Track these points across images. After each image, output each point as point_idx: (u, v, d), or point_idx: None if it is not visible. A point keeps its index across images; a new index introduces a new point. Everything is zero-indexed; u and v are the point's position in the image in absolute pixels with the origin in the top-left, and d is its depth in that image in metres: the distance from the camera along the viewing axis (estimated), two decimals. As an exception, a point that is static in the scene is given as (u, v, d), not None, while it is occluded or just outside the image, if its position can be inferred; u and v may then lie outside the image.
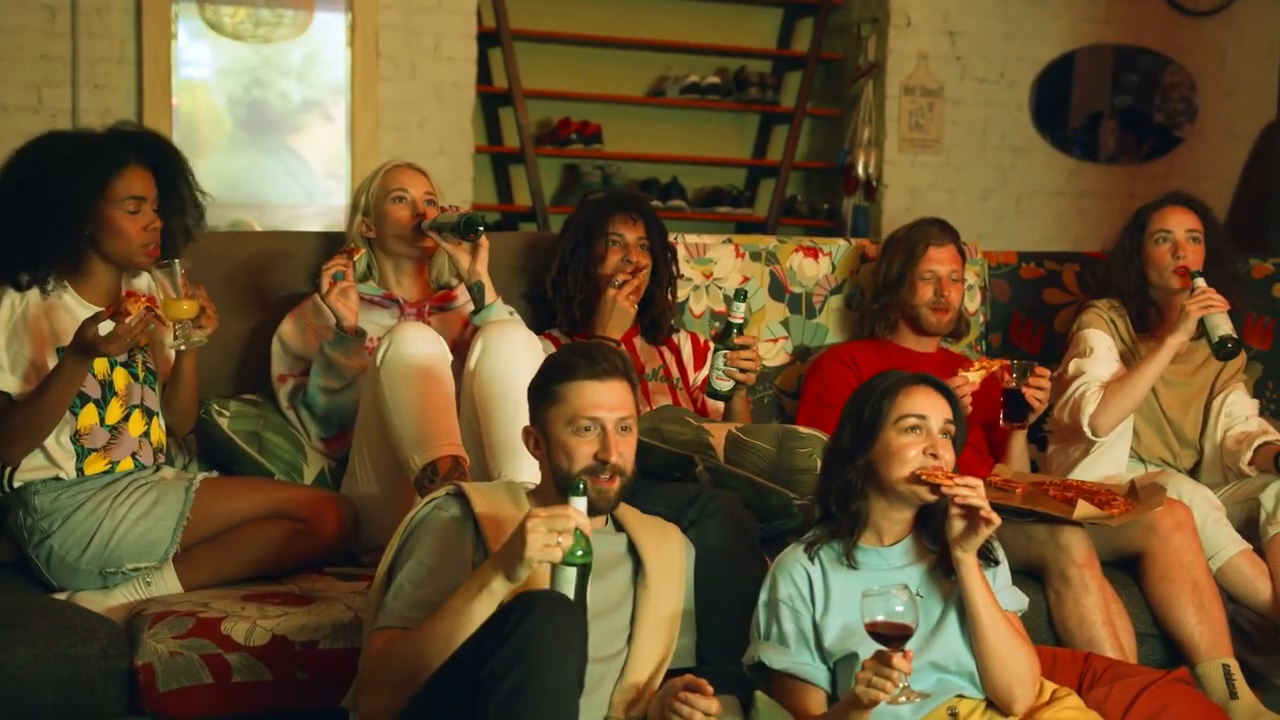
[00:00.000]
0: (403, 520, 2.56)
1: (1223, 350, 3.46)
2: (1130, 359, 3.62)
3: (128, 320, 2.79)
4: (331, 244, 3.56)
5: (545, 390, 2.55)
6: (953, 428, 2.54)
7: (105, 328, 2.81)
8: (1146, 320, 3.66)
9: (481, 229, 3.24)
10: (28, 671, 2.61)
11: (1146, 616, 3.26)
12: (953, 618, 2.52)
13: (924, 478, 2.47)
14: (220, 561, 3.02)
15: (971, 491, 2.43)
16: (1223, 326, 3.44)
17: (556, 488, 2.53)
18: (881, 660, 2.29)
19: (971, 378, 3.24)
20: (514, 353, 3.07)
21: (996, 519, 2.43)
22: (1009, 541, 3.16)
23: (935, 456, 2.49)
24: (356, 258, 3.33)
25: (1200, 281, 3.49)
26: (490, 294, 3.27)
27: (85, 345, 2.82)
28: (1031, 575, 3.18)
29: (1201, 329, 3.46)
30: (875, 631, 2.32)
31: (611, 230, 3.50)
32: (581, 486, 2.31)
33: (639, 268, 3.45)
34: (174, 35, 5.80)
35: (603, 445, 2.49)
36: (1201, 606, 3.21)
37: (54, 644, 2.65)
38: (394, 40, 6.10)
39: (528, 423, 2.59)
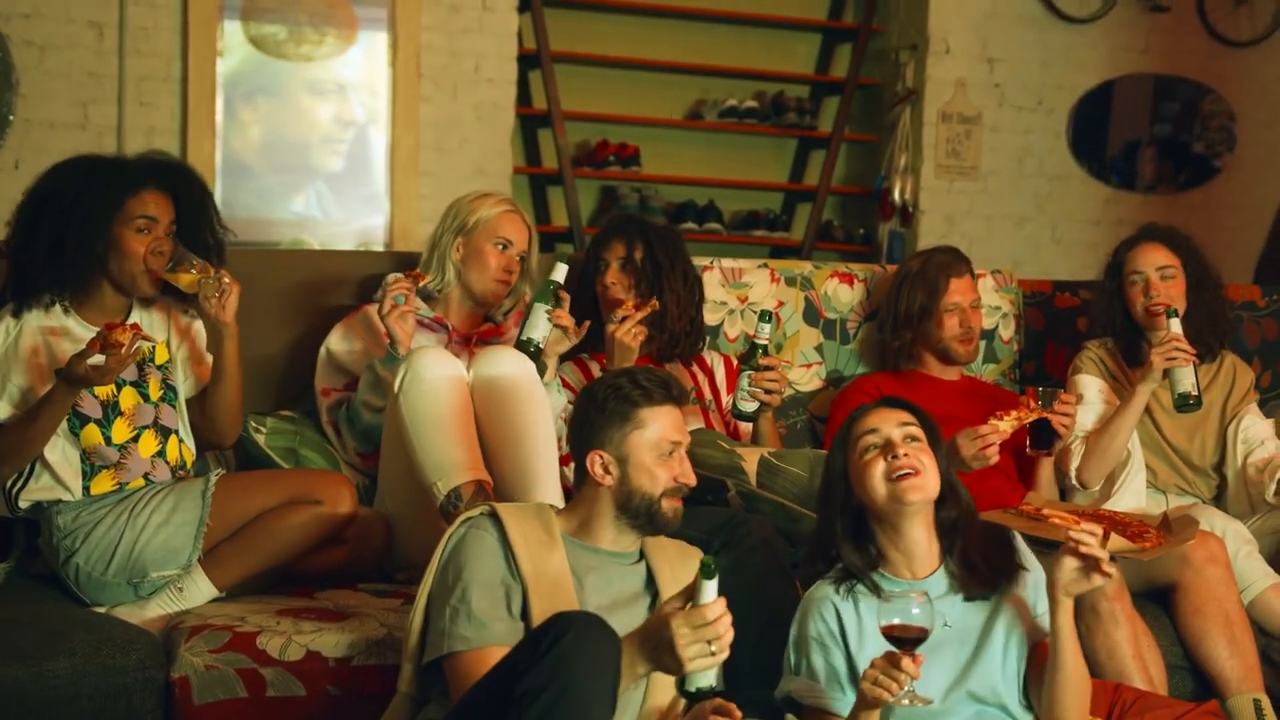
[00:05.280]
0: (440, 541, 2.58)
1: (1183, 406, 3.45)
2: (1125, 394, 3.59)
3: (120, 351, 2.81)
4: (367, 264, 3.57)
5: (625, 415, 2.56)
6: (917, 430, 2.55)
7: (97, 359, 2.82)
8: (1139, 354, 3.64)
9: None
10: (66, 682, 2.64)
11: (1177, 649, 3.24)
12: (990, 649, 2.53)
13: (1050, 526, 2.49)
14: (247, 556, 3.03)
15: (1094, 540, 2.44)
16: (1184, 382, 3.42)
17: (627, 512, 2.56)
18: (891, 661, 2.30)
19: (1003, 427, 3.21)
20: (500, 378, 3.08)
21: (1112, 573, 2.45)
22: (1040, 572, 3.18)
23: (895, 457, 2.50)
24: (422, 283, 3.33)
25: (1174, 325, 3.46)
26: (550, 374, 3.26)
27: (75, 378, 2.85)
28: (1062, 606, 3.18)
29: (1167, 375, 3.45)
30: (890, 634, 2.33)
31: (599, 255, 3.54)
32: (712, 567, 2.23)
33: (640, 305, 3.35)
34: (219, 53, 5.87)
35: (682, 469, 2.57)
36: (1233, 640, 3.19)
37: (93, 655, 2.68)
38: (435, 61, 6.15)
39: (556, 442, 2.61)
